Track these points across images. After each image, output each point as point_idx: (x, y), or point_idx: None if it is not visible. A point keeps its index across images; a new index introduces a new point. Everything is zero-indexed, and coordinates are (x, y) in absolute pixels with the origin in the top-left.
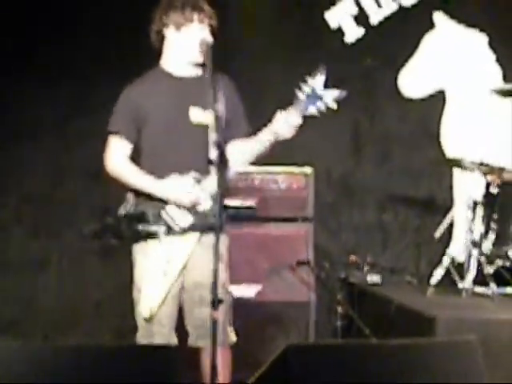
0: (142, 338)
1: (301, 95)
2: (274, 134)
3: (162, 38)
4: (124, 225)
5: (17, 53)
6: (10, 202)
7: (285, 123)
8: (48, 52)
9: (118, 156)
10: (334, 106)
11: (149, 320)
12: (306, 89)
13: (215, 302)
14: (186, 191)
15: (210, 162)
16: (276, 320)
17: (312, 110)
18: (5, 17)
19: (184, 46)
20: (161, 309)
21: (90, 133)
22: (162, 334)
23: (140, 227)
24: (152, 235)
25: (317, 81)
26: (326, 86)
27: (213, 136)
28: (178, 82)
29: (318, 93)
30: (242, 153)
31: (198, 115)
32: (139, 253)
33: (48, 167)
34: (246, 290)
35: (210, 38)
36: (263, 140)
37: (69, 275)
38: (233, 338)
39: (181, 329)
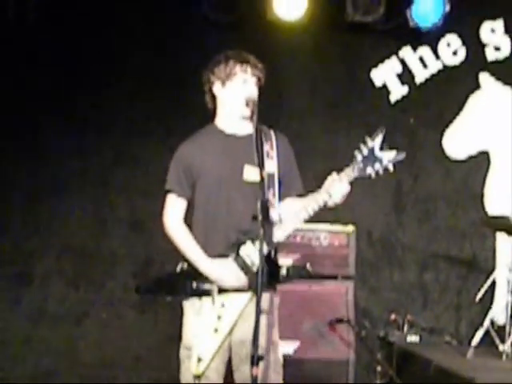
0: None
1: (359, 156)
2: (327, 195)
3: (213, 97)
4: (179, 281)
5: (60, 105)
6: (51, 254)
7: (338, 185)
8: (91, 105)
9: (172, 217)
10: (391, 167)
11: (199, 377)
12: (365, 150)
13: (255, 359)
14: (230, 278)
15: (254, 217)
16: (314, 378)
17: (370, 172)
18: (49, 71)
19: (230, 100)
20: (209, 366)
21: (132, 185)
22: None
23: (194, 285)
24: (205, 293)
25: (375, 142)
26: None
27: (267, 193)
28: (231, 139)
29: (376, 154)
30: (297, 210)
31: (252, 173)
32: (190, 309)
33: (89, 219)
34: (285, 347)
35: (254, 91)
36: (318, 199)
37: (108, 328)
38: None
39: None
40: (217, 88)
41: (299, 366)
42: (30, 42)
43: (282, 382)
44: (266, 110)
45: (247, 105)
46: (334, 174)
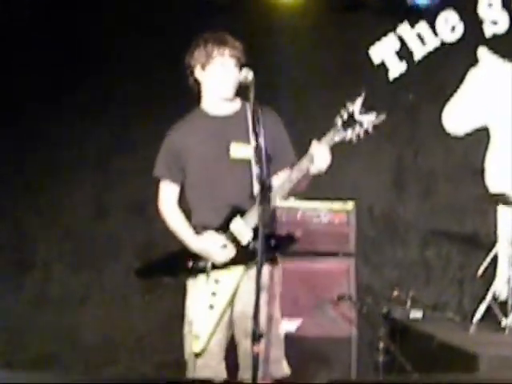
0: (189, 371)
1: (339, 121)
2: (310, 161)
3: (196, 81)
4: (175, 262)
5: (57, 91)
6: (52, 238)
7: (320, 151)
8: (88, 90)
9: (165, 202)
10: (371, 129)
11: (199, 354)
12: (345, 114)
13: (256, 336)
14: (218, 250)
15: (252, 197)
16: (317, 355)
17: (350, 135)
18: (46, 56)
19: (212, 83)
20: (210, 341)
21: (131, 169)
22: (210, 367)
23: (189, 264)
24: (200, 270)
25: (355, 106)
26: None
27: (255, 170)
28: (216, 120)
29: (356, 118)
30: (281, 182)
31: (239, 151)
32: (191, 288)
33: (89, 203)
34: (287, 325)
35: (233, 74)
36: (302, 166)
37: (109, 310)
38: (287, 370)
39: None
40: (198, 72)
41: (301, 343)
42: (25, 35)
43: (283, 358)
44: (265, 90)
45: (242, 82)
46: (315, 141)
